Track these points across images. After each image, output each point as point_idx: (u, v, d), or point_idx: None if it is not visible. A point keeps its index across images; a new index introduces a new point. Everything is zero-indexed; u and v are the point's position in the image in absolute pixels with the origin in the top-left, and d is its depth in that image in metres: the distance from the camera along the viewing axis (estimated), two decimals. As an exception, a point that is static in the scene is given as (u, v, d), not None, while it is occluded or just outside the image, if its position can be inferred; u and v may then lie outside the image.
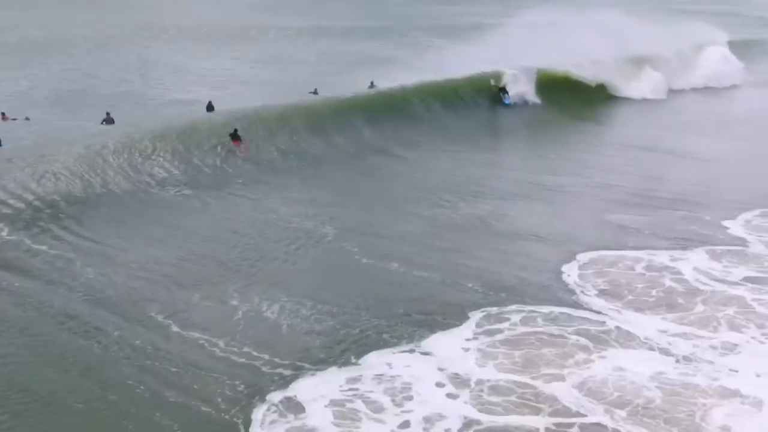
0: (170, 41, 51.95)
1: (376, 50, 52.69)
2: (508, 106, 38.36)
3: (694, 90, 47.12)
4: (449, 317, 16.87)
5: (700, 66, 48.72)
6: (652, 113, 40.67)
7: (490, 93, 38.62)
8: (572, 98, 39.88)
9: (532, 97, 39.74)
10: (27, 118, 29.86)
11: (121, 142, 25.29)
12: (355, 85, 36.99)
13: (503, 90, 38.67)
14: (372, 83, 36.36)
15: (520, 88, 39.41)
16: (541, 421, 13.38)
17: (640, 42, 45.35)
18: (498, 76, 39.03)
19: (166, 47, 50.07)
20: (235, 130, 27.38)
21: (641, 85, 44.14)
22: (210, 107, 31.41)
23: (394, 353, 15.43)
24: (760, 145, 33.84)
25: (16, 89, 36.42)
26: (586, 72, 41.73)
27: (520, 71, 39.61)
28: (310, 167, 27.33)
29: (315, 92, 36.85)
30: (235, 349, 15.58)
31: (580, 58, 41.42)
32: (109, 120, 29.02)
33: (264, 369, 14.95)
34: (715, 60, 49.79)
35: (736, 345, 16.12)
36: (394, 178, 27.28)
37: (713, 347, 16.03)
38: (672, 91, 45.72)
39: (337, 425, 13.02)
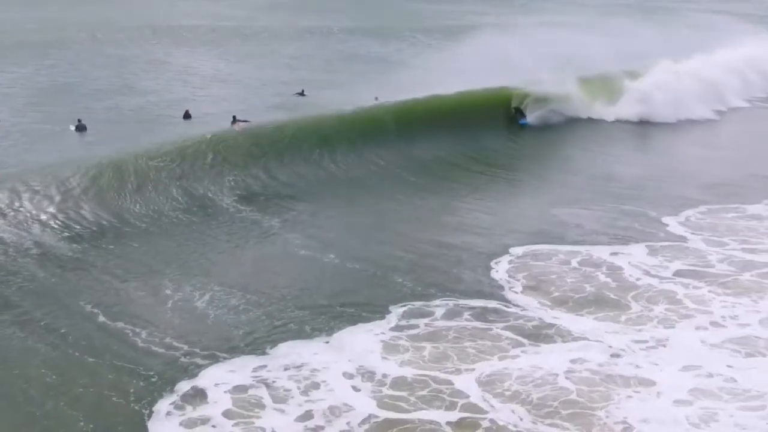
0: (158, 41, 50.42)
1: (370, 50, 51.63)
2: (523, 126, 33.72)
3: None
4: (372, 310, 16.50)
5: None
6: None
7: (493, 107, 33.64)
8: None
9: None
10: None
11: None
12: (340, 82, 36.06)
13: (519, 110, 34.19)
14: (376, 99, 32.64)
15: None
16: (444, 416, 12.99)
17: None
18: (519, 95, 34.45)
19: (153, 47, 48.45)
20: (234, 117, 28.13)
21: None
22: (187, 115, 30.65)
23: (309, 344, 15.11)
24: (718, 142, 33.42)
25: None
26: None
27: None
28: (272, 165, 25.89)
29: (302, 93, 35.91)
30: (157, 339, 15.26)
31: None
32: (81, 127, 27.82)
33: (182, 359, 14.63)
34: None
35: (662, 340, 15.70)
36: (351, 174, 26.35)
37: (639, 341, 15.60)
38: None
39: (235, 416, 12.69)
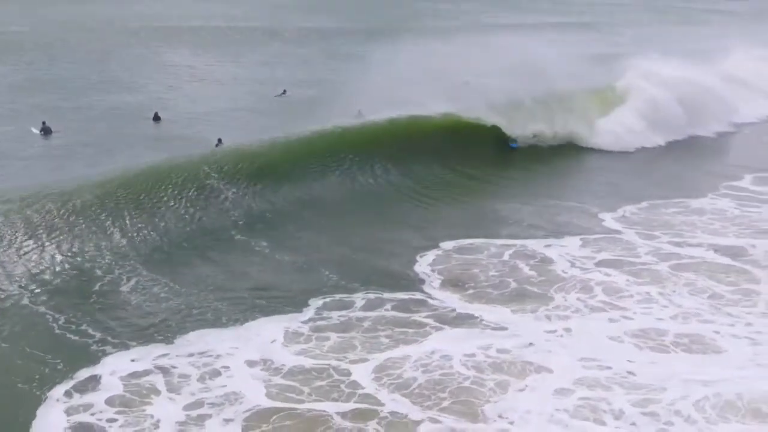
0: (142, 40, 49.78)
1: (355, 50, 50.40)
2: (513, 149, 29.12)
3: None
4: (291, 302, 16.01)
5: None
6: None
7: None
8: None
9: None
10: None
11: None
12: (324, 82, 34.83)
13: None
14: (359, 112, 29.65)
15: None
16: (337, 407, 12.47)
17: None
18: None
19: (140, 46, 47.46)
20: (219, 140, 26.38)
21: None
22: (156, 117, 29.96)
23: (219, 333, 14.68)
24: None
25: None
26: None
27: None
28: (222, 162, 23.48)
29: (284, 93, 35.15)
30: (73, 326, 14.86)
31: None
32: (46, 130, 26.82)
33: (92, 347, 14.22)
34: None
35: (571, 330, 15.18)
36: (301, 175, 23.72)
37: (549, 332, 15.09)
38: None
39: (120, 403, 12.24)
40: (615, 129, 31.23)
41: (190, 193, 20.76)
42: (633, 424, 12.12)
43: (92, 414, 11.84)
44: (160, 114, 29.94)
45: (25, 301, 15.64)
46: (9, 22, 55.20)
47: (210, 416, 12.10)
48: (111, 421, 11.73)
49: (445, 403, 12.47)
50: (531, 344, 14.37)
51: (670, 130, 32.12)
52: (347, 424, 12.07)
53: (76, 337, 14.54)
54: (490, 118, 29.08)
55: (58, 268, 16.98)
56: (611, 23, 74.77)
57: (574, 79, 32.00)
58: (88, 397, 12.34)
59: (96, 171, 22.11)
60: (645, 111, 32.24)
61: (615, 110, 32.22)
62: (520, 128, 29.59)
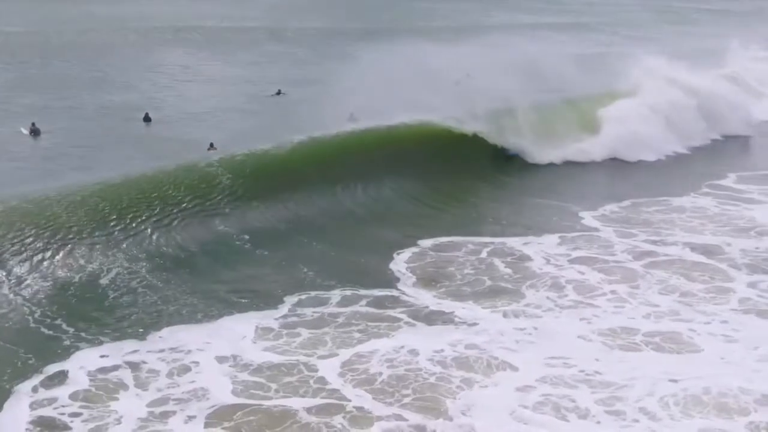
0: (139, 40, 49.28)
1: (346, 50, 50.29)
2: (510, 158, 27.23)
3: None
4: (266, 299, 15.88)
5: None
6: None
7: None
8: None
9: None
10: None
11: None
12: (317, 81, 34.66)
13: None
14: (352, 114, 28.27)
15: None
16: (303, 403, 12.34)
17: None
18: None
19: (131, 45, 47.23)
20: (211, 144, 25.78)
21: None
22: (147, 118, 29.54)
23: (192, 329, 14.56)
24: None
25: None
26: None
27: None
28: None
29: (278, 93, 34.96)
30: (48, 320, 14.79)
31: None
32: (35, 131, 26.48)
33: (65, 342, 14.14)
34: None
35: (540, 328, 14.99)
36: (290, 176, 22.70)
37: (518, 329, 14.91)
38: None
39: (84, 398, 12.14)
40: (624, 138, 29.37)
41: (171, 192, 20.51)
42: (598, 422, 11.97)
43: (55, 408, 11.75)
44: (150, 115, 29.66)
45: (4, 289, 15.51)
46: (5, 22, 55.03)
47: (174, 413, 11.97)
48: (74, 415, 11.62)
49: (407, 399, 12.34)
50: (499, 341, 14.23)
51: (678, 134, 30.83)
52: (312, 419, 11.95)
53: (50, 332, 14.46)
54: (482, 128, 27.57)
55: (36, 263, 16.75)
56: (610, 23, 74.47)
57: (574, 81, 31.27)
58: (54, 392, 12.24)
59: (82, 172, 22.07)
60: (654, 114, 30.73)
61: (621, 117, 30.15)
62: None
